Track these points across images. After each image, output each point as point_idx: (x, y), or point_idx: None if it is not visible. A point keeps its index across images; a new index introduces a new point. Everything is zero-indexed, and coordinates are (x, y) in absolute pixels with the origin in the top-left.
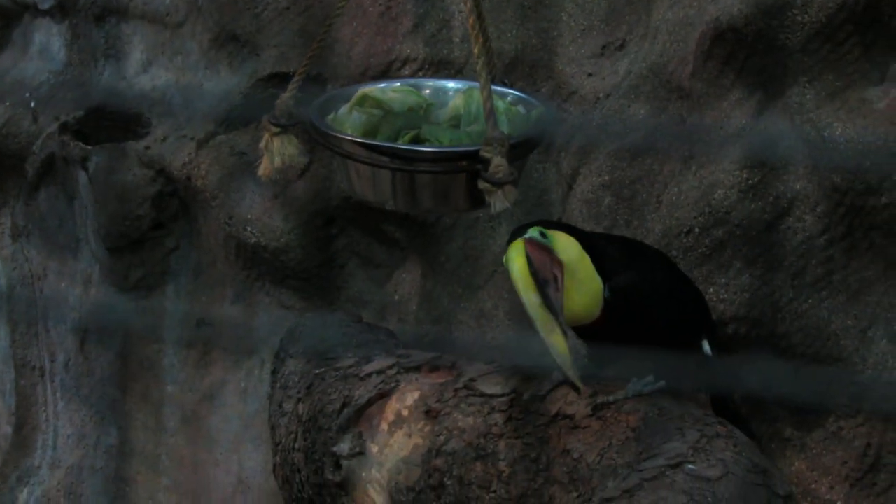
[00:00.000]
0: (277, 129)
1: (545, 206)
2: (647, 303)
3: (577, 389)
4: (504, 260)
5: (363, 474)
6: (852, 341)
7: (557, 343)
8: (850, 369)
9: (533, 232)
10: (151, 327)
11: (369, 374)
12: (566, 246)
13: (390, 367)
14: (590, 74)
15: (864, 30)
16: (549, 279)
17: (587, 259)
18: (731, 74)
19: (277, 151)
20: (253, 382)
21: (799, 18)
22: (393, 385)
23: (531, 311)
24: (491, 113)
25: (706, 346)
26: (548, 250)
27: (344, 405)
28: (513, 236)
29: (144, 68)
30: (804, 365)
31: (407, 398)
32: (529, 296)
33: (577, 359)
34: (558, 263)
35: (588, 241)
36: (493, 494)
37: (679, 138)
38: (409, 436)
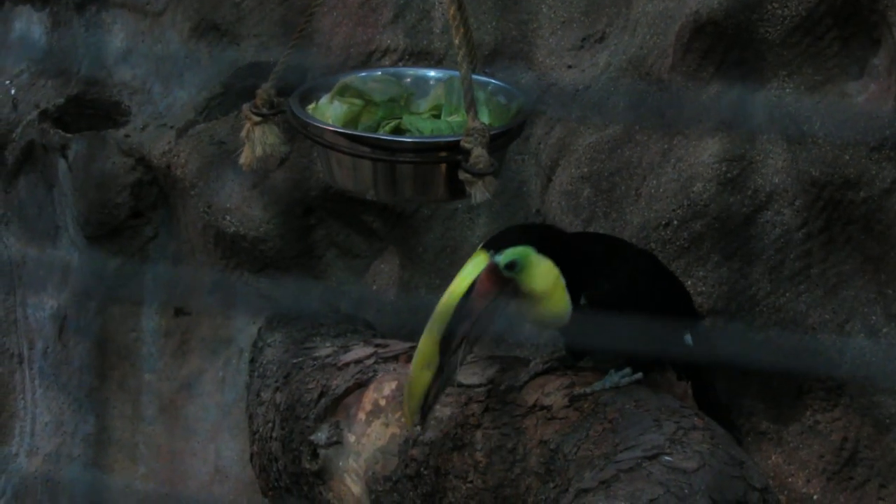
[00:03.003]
0: (259, 119)
1: (524, 198)
2: (625, 307)
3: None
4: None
5: (340, 463)
6: (830, 335)
7: (419, 381)
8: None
9: (506, 258)
10: (129, 315)
11: (347, 364)
12: (543, 277)
13: (368, 357)
14: (569, 66)
15: (844, 24)
16: (470, 317)
17: (561, 287)
18: (710, 67)
19: (259, 141)
20: (231, 371)
21: (779, 12)
22: (371, 375)
23: (422, 341)
24: (472, 103)
25: (688, 338)
26: (502, 283)
27: (321, 395)
28: (492, 241)
29: (125, 57)
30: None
31: (384, 388)
32: (434, 327)
33: (425, 405)
34: (511, 291)
35: (571, 244)
36: (469, 484)
37: (658, 131)
38: (387, 425)
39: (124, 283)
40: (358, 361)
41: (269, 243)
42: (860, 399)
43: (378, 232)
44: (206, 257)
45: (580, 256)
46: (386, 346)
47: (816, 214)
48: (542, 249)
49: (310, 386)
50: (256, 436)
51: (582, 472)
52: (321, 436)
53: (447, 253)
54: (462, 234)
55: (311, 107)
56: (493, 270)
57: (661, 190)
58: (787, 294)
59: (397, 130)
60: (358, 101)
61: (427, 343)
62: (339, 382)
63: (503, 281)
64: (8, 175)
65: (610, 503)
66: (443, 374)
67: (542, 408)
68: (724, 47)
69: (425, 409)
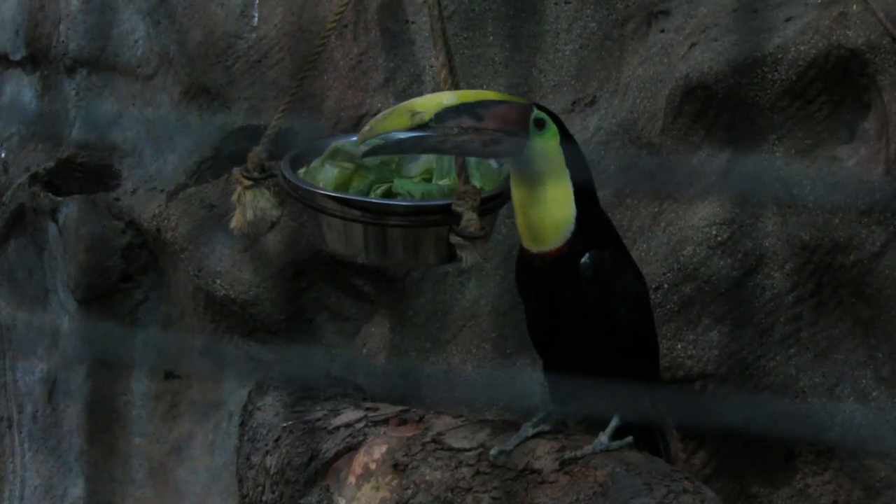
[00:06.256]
0: (250, 183)
1: (514, 262)
2: (616, 292)
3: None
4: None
5: None
6: (820, 399)
7: (397, 118)
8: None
9: (541, 114)
10: (119, 378)
11: (337, 428)
12: (552, 155)
13: (358, 421)
14: None
15: (834, 88)
16: (478, 118)
17: (566, 185)
18: (700, 131)
19: (250, 205)
20: (221, 435)
21: (769, 76)
22: (361, 438)
23: (428, 97)
24: (463, 167)
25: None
26: (520, 123)
27: (312, 458)
28: (540, 105)
29: (115, 120)
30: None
31: (375, 451)
32: (429, 101)
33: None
34: (520, 139)
35: (598, 205)
36: None
37: (648, 194)
38: (377, 489)
39: (114, 346)
40: (348, 425)
41: (260, 306)
42: (850, 463)
43: (369, 295)
44: (196, 320)
45: (599, 220)
46: (376, 409)
47: (807, 278)
48: (569, 154)
49: (300, 450)
50: (246, 500)
51: None
52: (311, 500)
53: (438, 316)
54: (453, 297)
55: (302, 170)
56: (524, 109)
57: (651, 253)
58: (778, 357)
59: (388, 194)
60: (349, 165)
61: (432, 101)
62: (330, 446)
63: (522, 123)
64: None
65: None
66: (422, 136)
67: (533, 471)
68: (714, 111)
69: (376, 149)
